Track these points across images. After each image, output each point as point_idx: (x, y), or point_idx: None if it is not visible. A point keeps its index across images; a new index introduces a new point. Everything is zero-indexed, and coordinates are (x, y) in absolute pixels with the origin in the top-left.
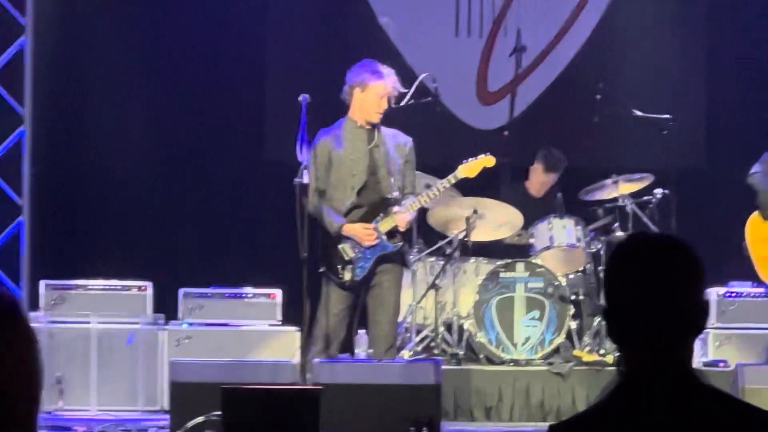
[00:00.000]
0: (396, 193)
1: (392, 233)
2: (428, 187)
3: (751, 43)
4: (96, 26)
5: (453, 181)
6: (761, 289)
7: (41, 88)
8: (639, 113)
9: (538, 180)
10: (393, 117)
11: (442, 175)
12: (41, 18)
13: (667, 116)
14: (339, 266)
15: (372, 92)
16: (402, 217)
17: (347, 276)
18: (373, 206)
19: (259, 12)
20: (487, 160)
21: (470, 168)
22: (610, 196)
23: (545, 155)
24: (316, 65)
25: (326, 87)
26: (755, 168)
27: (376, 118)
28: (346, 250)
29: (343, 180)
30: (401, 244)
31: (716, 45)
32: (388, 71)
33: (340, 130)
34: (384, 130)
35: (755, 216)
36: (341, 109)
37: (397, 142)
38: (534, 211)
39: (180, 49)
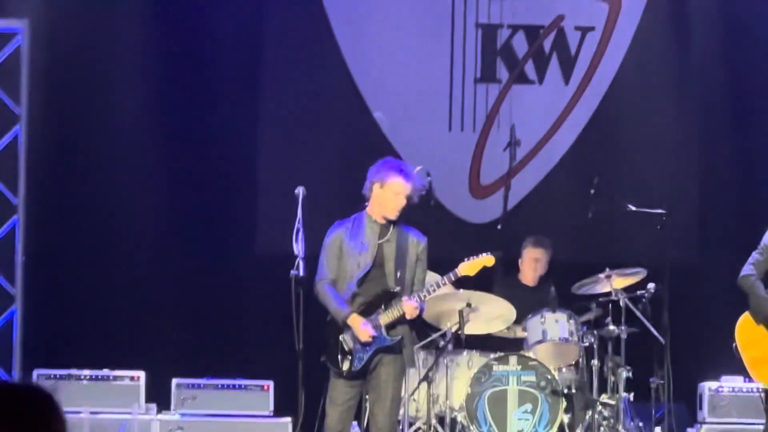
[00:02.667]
0: (399, 288)
1: (392, 325)
2: (421, 281)
3: (745, 138)
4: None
5: (453, 279)
6: (753, 385)
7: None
8: (633, 208)
9: (529, 264)
10: None
11: (432, 267)
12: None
13: (660, 211)
14: (339, 356)
15: (390, 189)
16: (409, 303)
17: (345, 366)
18: (375, 298)
19: (252, 103)
20: (487, 260)
21: (470, 267)
22: (604, 291)
23: (528, 238)
24: (309, 158)
25: (318, 180)
26: (746, 270)
27: (392, 215)
28: (347, 340)
29: (348, 270)
30: (399, 337)
31: (710, 140)
32: (409, 171)
33: (355, 223)
34: (400, 226)
35: (745, 318)
36: (335, 200)
37: (411, 240)
38: (527, 303)
39: (174, 140)
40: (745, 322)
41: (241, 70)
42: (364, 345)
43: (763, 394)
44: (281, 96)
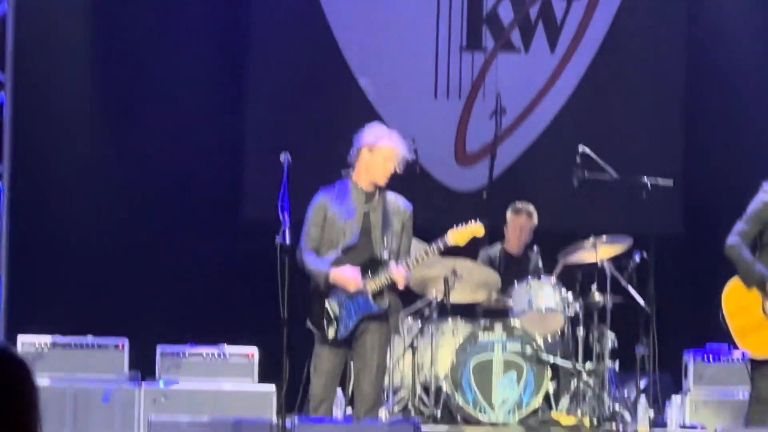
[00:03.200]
0: (386, 255)
1: (379, 293)
2: (407, 248)
3: (729, 107)
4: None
5: (442, 247)
6: (738, 353)
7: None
8: (618, 176)
9: (514, 232)
10: None
11: (417, 235)
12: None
13: (645, 179)
14: (324, 322)
15: (380, 154)
16: (399, 272)
17: (331, 333)
18: (363, 265)
19: (239, 70)
20: (477, 229)
21: (460, 235)
22: (589, 259)
23: (512, 205)
24: (295, 125)
25: (305, 146)
26: (732, 240)
27: (382, 181)
28: (333, 306)
29: (334, 239)
30: (386, 305)
31: (695, 108)
32: (398, 137)
33: (340, 190)
34: (386, 193)
35: (732, 286)
36: (320, 167)
37: (397, 207)
38: (513, 272)
39: (157, 105)
40: (731, 290)
41: (229, 38)
42: (351, 305)
43: (749, 363)
44: (268, 63)
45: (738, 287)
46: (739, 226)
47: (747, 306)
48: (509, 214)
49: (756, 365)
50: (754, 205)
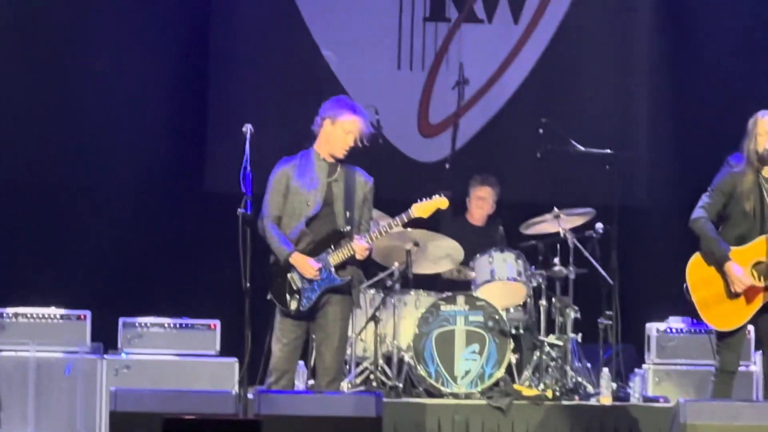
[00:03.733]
0: (348, 228)
1: (342, 265)
2: (369, 221)
3: (694, 78)
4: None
5: (406, 220)
6: (701, 326)
7: None
8: (581, 148)
9: (477, 203)
10: None
11: (380, 207)
12: None
13: (608, 151)
14: (286, 295)
15: (341, 127)
16: (360, 244)
17: (293, 305)
18: (325, 238)
19: (202, 42)
20: (441, 202)
21: (424, 208)
22: (552, 231)
23: (475, 176)
24: (259, 96)
25: (267, 118)
26: (697, 213)
27: (340, 153)
28: (295, 279)
29: (296, 209)
30: (349, 277)
31: (660, 79)
32: (362, 111)
33: (303, 160)
34: (348, 166)
35: (696, 258)
36: (284, 138)
37: (359, 179)
38: (475, 243)
39: (121, 76)
40: (695, 263)
41: (192, 10)
42: (312, 283)
43: (713, 336)
44: (231, 35)
45: (700, 261)
46: (705, 199)
47: (710, 279)
48: (472, 186)
49: (720, 337)
50: (718, 179)
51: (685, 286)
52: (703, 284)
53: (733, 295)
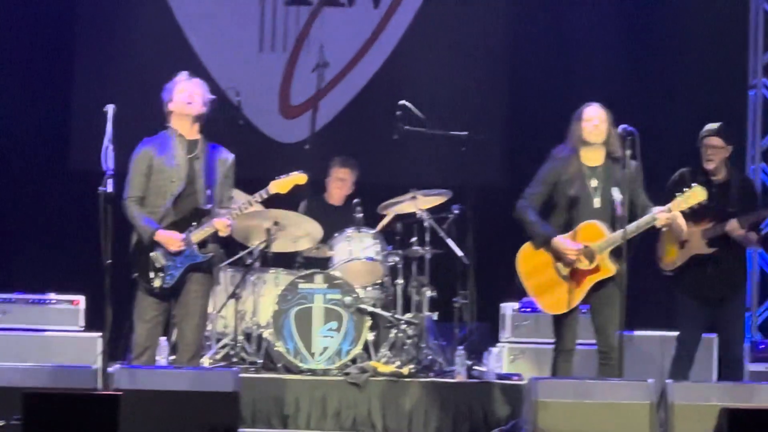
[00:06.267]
0: (210, 206)
1: (203, 243)
2: (229, 198)
3: (554, 66)
4: None
5: (265, 196)
6: None
7: None
8: (438, 131)
9: (335, 183)
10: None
11: (242, 186)
12: None
13: (464, 133)
14: (150, 273)
15: (177, 97)
16: (221, 221)
17: (157, 283)
18: (187, 215)
19: (68, 21)
20: (299, 178)
21: (282, 184)
22: (409, 211)
23: (334, 158)
24: (124, 76)
25: (133, 97)
26: (519, 203)
27: (187, 115)
28: (158, 257)
29: (161, 187)
30: (211, 254)
31: (519, 64)
32: (194, 79)
33: (163, 140)
34: (209, 144)
35: (524, 249)
36: (147, 119)
37: (219, 157)
38: (334, 223)
39: None
40: (524, 254)
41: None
42: (176, 256)
43: (552, 317)
44: (96, 18)
45: (529, 249)
46: (527, 190)
47: (540, 266)
48: (331, 167)
49: (558, 318)
50: (542, 170)
51: (516, 277)
52: (534, 272)
53: (563, 278)
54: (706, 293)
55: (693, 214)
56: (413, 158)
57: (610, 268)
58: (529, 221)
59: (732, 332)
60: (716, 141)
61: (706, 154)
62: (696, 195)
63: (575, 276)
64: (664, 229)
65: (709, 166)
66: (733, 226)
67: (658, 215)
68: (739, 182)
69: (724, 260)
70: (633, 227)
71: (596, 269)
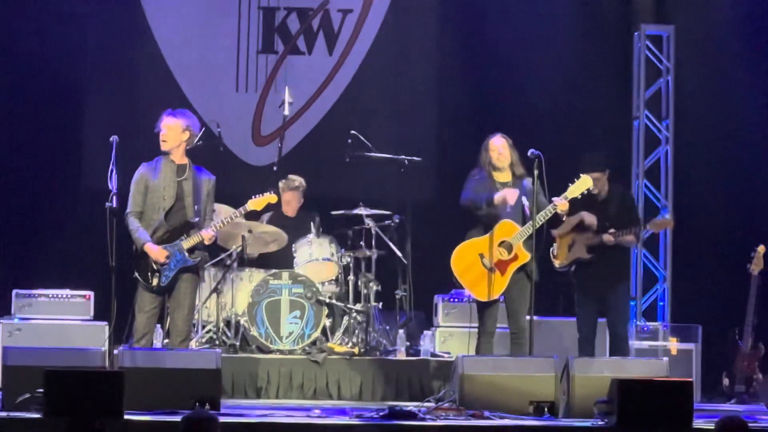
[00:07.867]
0: (197, 219)
1: (192, 250)
2: (212, 211)
3: (474, 103)
4: None
5: (243, 212)
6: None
7: None
8: (381, 155)
9: (287, 199)
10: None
11: (222, 200)
12: None
13: (403, 157)
14: (148, 273)
15: (165, 131)
16: (207, 233)
17: (155, 282)
18: (178, 227)
19: (78, 65)
20: (271, 198)
21: (258, 203)
22: (359, 220)
23: (281, 181)
24: (125, 112)
25: (132, 129)
26: (462, 195)
27: (173, 150)
28: (156, 262)
29: (155, 203)
30: (199, 259)
31: (448, 98)
32: (177, 114)
33: (157, 164)
34: (194, 167)
35: (456, 253)
36: (144, 147)
37: (203, 178)
38: (291, 231)
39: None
40: (455, 258)
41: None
42: (170, 263)
43: (476, 304)
44: (101, 67)
45: (458, 254)
46: (463, 191)
47: (470, 264)
48: (282, 186)
49: (482, 305)
50: (467, 184)
51: (453, 276)
52: (466, 270)
53: (490, 270)
54: (591, 287)
55: (578, 227)
56: (361, 177)
57: (526, 255)
58: (472, 198)
59: (616, 316)
60: (594, 174)
61: None
62: (584, 183)
63: (500, 266)
64: (564, 217)
65: (594, 191)
66: (608, 239)
67: (557, 201)
68: (619, 198)
69: (603, 262)
70: (540, 215)
71: (515, 257)
